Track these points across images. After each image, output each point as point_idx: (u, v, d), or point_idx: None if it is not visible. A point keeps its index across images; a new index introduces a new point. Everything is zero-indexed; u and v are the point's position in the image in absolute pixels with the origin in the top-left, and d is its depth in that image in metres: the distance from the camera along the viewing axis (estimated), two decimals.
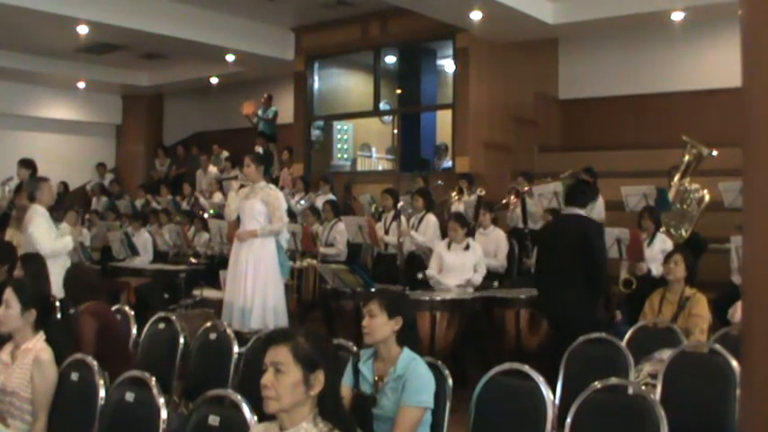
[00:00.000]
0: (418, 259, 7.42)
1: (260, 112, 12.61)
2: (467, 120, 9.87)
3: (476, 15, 8.88)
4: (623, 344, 3.97)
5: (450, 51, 10.34)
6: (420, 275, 6.63)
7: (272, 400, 2.12)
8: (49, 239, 5.91)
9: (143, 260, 9.17)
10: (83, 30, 9.65)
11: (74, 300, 4.21)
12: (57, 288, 4.68)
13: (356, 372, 3.00)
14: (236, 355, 3.98)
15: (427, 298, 5.74)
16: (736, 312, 5.14)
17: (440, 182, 9.40)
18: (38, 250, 5.70)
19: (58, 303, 3.77)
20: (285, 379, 2.12)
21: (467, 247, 6.40)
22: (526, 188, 8.05)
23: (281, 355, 2.15)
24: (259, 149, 11.40)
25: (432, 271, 6.49)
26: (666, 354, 3.83)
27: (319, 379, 2.16)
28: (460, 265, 6.34)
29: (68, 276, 4.42)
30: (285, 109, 12.28)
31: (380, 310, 2.98)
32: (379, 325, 2.96)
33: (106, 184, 13.90)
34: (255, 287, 5.92)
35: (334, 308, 6.28)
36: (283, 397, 2.12)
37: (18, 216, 6.85)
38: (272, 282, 6.02)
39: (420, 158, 11.37)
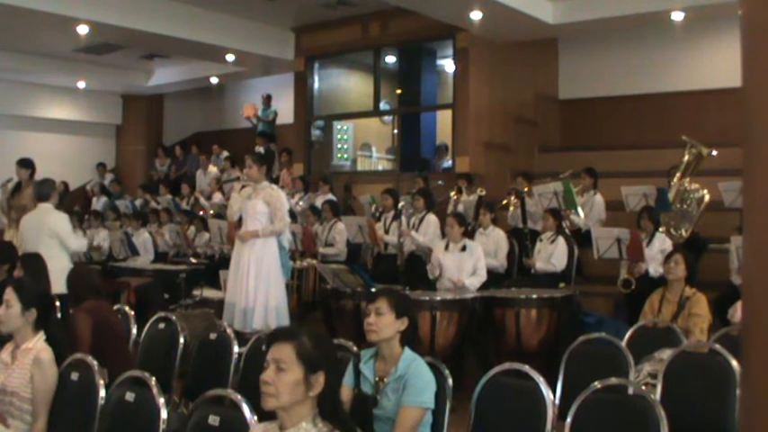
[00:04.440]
0: (418, 259, 7.41)
1: (259, 113, 12.62)
2: (467, 120, 9.87)
3: (476, 15, 8.88)
4: (623, 344, 3.97)
5: (451, 51, 10.34)
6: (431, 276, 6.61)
7: (270, 397, 2.13)
8: (75, 237, 6.07)
9: (143, 260, 9.17)
10: (83, 30, 9.65)
11: (76, 299, 4.21)
12: (58, 286, 4.69)
13: (357, 372, 3.00)
14: (236, 355, 3.98)
15: (427, 298, 5.73)
16: (737, 312, 5.14)
17: (440, 182, 9.40)
18: (66, 245, 5.88)
19: (58, 303, 3.77)
20: (286, 377, 2.13)
21: (463, 248, 6.38)
22: (526, 188, 8.05)
23: (284, 353, 2.15)
24: (260, 149, 11.41)
25: (434, 270, 6.47)
26: (666, 354, 3.83)
27: (319, 381, 2.16)
28: (458, 268, 6.32)
29: (72, 276, 4.43)
30: (285, 109, 12.28)
31: (389, 309, 2.97)
32: (387, 323, 2.96)
33: (106, 184, 13.91)
34: (257, 287, 5.92)
35: (334, 308, 6.27)
36: (282, 394, 2.12)
37: (18, 217, 6.85)
38: (274, 282, 6.03)
39: (420, 158, 11.36)
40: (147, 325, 4.53)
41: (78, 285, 4.28)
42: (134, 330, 4.60)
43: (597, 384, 2.94)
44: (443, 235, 7.13)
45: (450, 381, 3.04)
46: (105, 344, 3.93)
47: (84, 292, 4.20)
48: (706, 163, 7.72)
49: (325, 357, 2.20)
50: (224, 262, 7.41)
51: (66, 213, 6.48)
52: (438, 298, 5.75)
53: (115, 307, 4.75)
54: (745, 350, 1.09)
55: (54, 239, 5.91)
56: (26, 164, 7.29)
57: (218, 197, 11.20)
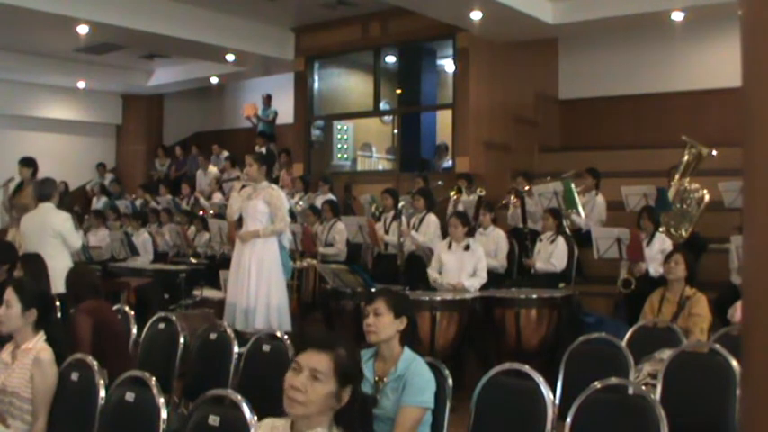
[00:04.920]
0: (418, 259, 7.42)
1: (260, 113, 12.63)
2: (467, 120, 9.87)
3: (476, 15, 8.87)
4: (623, 344, 3.97)
5: (451, 51, 10.34)
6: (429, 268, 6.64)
7: (299, 404, 2.08)
8: (77, 236, 6.15)
9: (143, 260, 9.17)
10: (83, 30, 9.65)
11: (75, 299, 4.21)
12: (61, 285, 4.70)
13: None
14: (236, 355, 3.98)
15: (427, 298, 5.74)
16: (737, 312, 5.15)
17: (440, 182, 9.40)
18: (69, 244, 5.91)
19: (58, 303, 3.77)
20: (320, 388, 2.09)
21: (467, 248, 6.39)
22: (526, 188, 8.05)
23: (322, 363, 2.10)
24: (261, 149, 11.41)
25: (433, 272, 6.49)
26: (666, 354, 3.83)
27: (347, 394, 2.15)
28: (459, 267, 6.32)
29: (71, 275, 4.42)
30: (285, 109, 12.28)
31: (387, 309, 2.98)
32: (386, 324, 2.96)
33: (106, 184, 13.91)
34: (259, 287, 5.92)
35: (334, 308, 6.28)
36: (313, 404, 2.09)
37: (19, 216, 6.84)
38: (275, 282, 6.02)
39: (420, 158, 11.37)
40: (147, 325, 4.52)
41: (77, 285, 4.28)
42: (134, 330, 4.60)
43: (597, 384, 2.94)
44: (444, 235, 7.14)
45: (450, 381, 3.04)
46: (105, 344, 3.93)
47: (83, 291, 4.20)
48: (706, 163, 7.72)
49: (356, 372, 2.19)
50: (224, 262, 7.41)
51: (68, 213, 6.49)
52: (438, 298, 5.76)
53: (115, 307, 4.75)
54: (745, 350, 1.09)
55: (57, 239, 5.92)
56: (28, 163, 7.29)
57: (218, 197, 11.20)
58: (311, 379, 2.08)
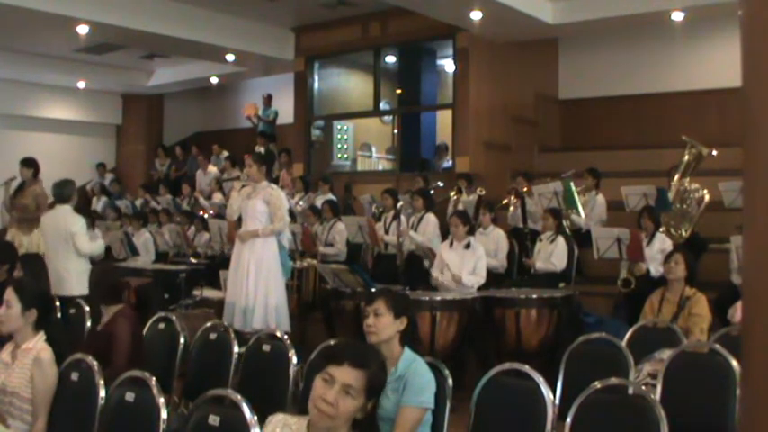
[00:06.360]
0: (418, 259, 7.42)
1: (260, 113, 12.63)
2: (467, 120, 9.88)
3: (476, 15, 8.88)
4: (623, 344, 3.97)
5: (451, 51, 10.34)
6: (426, 263, 6.63)
7: (327, 417, 2.09)
8: (88, 240, 6.10)
9: (145, 260, 9.17)
10: (83, 30, 9.65)
11: (100, 299, 4.22)
12: (75, 287, 4.68)
13: None
14: (236, 355, 3.98)
15: (427, 298, 5.74)
16: (737, 312, 5.15)
17: (440, 182, 9.40)
18: (77, 246, 5.87)
19: (58, 303, 3.78)
20: (351, 404, 2.10)
21: (468, 246, 6.39)
22: (526, 188, 8.05)
23: (357, 380, 2.11)
24: (261, 149, 11.41)
25: (436, 270, 6.48)
26: (666, 354, 3.83)
27: (371, 406, 2.17)
28: (460, 264, 6.32)
29: (98, 276, 4.43)
30: (285, 109, 12.28)
31: (387, 310, 2.98)
32: (386, 324, 2.96)
33: (106, 184, 13.91)
34: (257, 287, 5.92)
35: (334, 308, 6.28)
36: (341, 417, 2.10)
37: (21, 216, 6.84)
38: (274, 281, 6.02)
39: (420, 158, 11.37)
40: (147, 325, 4.52)
41: (104, 285, 4.27)
42: None
43: (597, 384, 2.94)
44: (443, 234, 7.14)
45: (450, 381, 3.04)
46: (136, 349, 3.97)
47: (108, 292, 4.21)
48: (706, 163, 7.72)
49: (383, 386, 2.22)
50: (224, 262, 7.41)
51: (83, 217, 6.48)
52: (438, 298, 5.76)
53: None
54: (745, 350, 1.09)
55: (71, 241, 5.92)
56: (29, 163, 7.28)
57: (218, 197, 11.20)
58: (343, 394, 2.08)
